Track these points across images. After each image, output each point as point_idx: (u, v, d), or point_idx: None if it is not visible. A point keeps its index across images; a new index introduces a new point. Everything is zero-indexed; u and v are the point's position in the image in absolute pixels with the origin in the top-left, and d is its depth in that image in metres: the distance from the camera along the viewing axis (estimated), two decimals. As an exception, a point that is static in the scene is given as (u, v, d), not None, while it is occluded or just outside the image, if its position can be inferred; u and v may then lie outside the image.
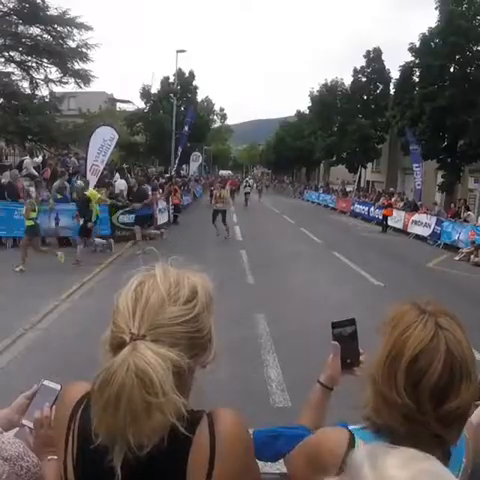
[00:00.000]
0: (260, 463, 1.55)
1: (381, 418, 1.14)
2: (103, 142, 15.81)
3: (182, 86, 41.96)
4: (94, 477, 1.07)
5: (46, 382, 1.45)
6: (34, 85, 21.00)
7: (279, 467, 1.56)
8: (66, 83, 21.34)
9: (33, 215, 11.06)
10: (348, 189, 39.51)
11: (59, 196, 14.88)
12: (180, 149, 29.97)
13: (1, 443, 1.12)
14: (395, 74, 31.85)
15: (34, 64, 20.59)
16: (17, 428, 1.42)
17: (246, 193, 35.98)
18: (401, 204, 25.24)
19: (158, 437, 1.00)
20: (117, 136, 16.58)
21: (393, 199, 25.39)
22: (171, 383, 0.96)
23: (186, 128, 30.27)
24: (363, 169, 41.78)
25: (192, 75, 44.38)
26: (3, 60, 19.84)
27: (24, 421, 1.40)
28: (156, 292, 1.06)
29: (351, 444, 1.15)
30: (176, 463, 1.06)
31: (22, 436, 1.34)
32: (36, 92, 21.29)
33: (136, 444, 0.98)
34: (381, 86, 39.10)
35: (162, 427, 0.98)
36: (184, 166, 42.57)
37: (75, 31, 20.27)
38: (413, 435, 1.07)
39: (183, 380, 1.05)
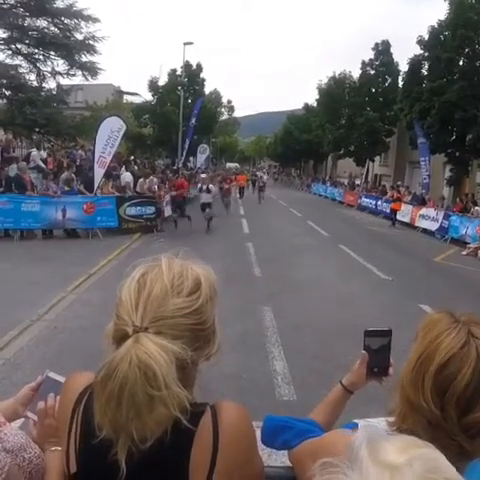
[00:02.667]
0: (264, 456, 1.56)
1: (406, 423, 1.14)
2: (111, 133, 15.63)
3: (189, 78, 41.80)
4: (97, 469, 1.07)
5: (51, 374, 1.45)
6: (41, 77, 21.02)
7: (284, 460, 1.56)
8: (73, 75, 21.35)
9: None
10: (357, 182, 39.37)
11: (67, 188, 14.93)
12: (187, 141, 29.90)
13: (3, 435, 1.12)
14: (404, 67, 31.63)
15: (41, 57, 20.60)
16: (22, 419, 1.43)
17: (203, 206, 17.71)
18: (409, 198, 25.14)
19: (161, 430, 1.00)
20: (125, 126, 16.32)
21: (402, 191, 25.23)
22: (174, 376, 0.96)
23: (193, 120, 30.19)
24: (371, 162, 41.59)
25: (199, 67, 44.19)
26: (10, 53, 19.87)
27: (28, 413, 1.40)
28: (159, 283, 1.05)
29: None
30: (179, 455, 1.06)
31: (26, 428, 1.35)
32: (43, 84, 21.32)
33: (139, 437, 0.98)
34: (389, 79, 38.78)
35: (165, 420, 0.98)
36: (191, 158, 42.49)
37: (82, 23, 20.26)
38: (436, 442, 1.05)
39: (186, 373, 1.04)
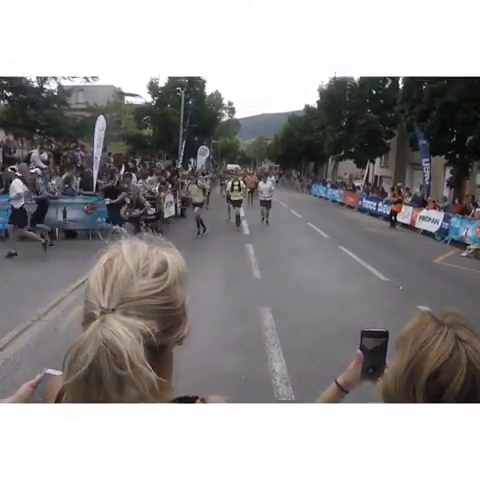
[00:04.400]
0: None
1: None
2: (99, 132, 16.00)
3: (190, 80, 41.79)
4: None
5: (49, 370, 1.46)
6: (42, 79, 21.00)
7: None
8: (74, 77, 21.37)
9: None
10: (356, 184, 39.38)
11: (66, 185, 14.98)
12: (184, 141, 29.99)
13: None
14: (404, 68, 31.60)
15: (42, 57, 20.59)
16: None
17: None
18: (409, 199, 25.12)
19: None
20: (105, 124, 16.54)
21: (402, 192, 25.23)
22: (141, 355, 0.94)
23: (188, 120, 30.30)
24: (371, 164, 41.59)
25: (200, 69, 44.14)
26: (11, 53, 19.87)
27: None
28: (125, 266, 1.05)
29: None
30: None
31: None
32: (44, 86, 21.34)
33: None
34: (390, 81, 38.76)
35: (136, 402, 0.96)
36: (192, 160, 42.48)
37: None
38: None
39: (160, 358, 1.04)
